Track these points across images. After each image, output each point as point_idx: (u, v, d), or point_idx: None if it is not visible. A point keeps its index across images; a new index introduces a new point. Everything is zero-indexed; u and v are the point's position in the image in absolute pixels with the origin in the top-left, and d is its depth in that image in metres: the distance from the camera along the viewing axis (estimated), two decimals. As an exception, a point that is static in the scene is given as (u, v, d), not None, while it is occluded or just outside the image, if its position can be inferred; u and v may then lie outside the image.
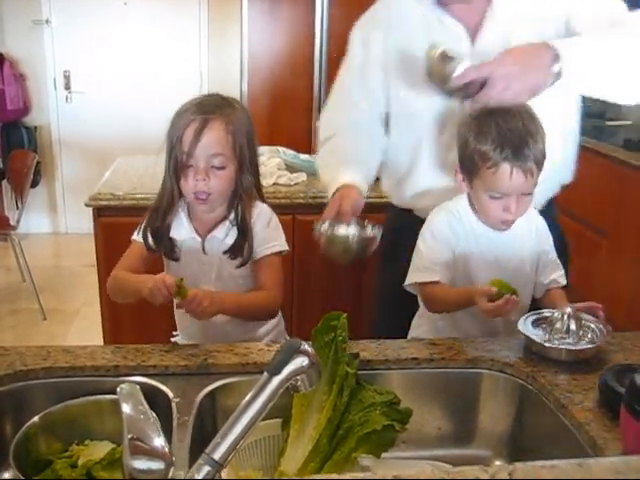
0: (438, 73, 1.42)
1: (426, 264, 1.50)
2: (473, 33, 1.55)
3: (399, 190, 1.75)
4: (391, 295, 1.66)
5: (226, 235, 1.53)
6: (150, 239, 1.56)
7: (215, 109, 1.46)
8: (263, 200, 1.60)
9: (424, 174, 1.66)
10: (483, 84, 1.34)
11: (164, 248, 1.56)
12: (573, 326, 1.31)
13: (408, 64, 1.59)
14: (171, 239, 1.55)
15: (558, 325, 1.31)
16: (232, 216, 1.53)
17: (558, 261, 1.58)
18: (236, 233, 1.52)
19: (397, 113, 1.67)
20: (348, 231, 1.47)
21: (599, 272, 3.68)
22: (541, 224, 1.58)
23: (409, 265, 1.54)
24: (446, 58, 1.41)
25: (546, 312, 1.39)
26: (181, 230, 1.55)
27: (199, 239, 1.55)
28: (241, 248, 1.52)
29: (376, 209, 1.72)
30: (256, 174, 1.56)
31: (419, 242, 1.54)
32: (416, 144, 1.65)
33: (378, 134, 1.70)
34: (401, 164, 1.71)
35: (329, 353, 1.19)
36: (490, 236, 1.50)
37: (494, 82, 1.33)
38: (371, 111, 1.68)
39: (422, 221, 1.59)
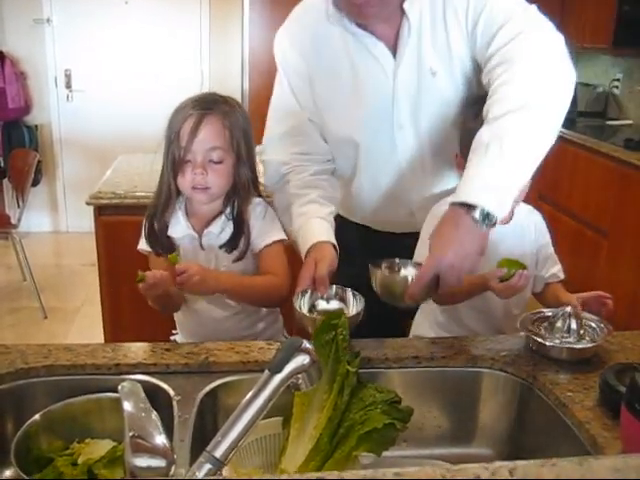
0: (391, 297, 1.37)
1: None
2: (393, 50, 1.52)
3: (348, 209, 1.75)
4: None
5: (222, 230, 1.53)
6: (150, 239, 1.56)
7: (212, 105, 1.47)
8: (259, 195, 1.60)
9: (368, 200, 1.66)
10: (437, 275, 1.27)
11: (161, 246, 1.56)
12: (574, 325, 1.31)
13: (334, 90, 1.57)
14: (169, 237, 1.55)
15: (559, 324, 1.32)
16: (228, 210, 1.53)
17: (556, 256, 1.59)
18: (232, 227, 1.53)
19: (328, 137, 1.65)
20: (329, 308, 1.41)
21: (600, 272, 3.68)
22: (539, 219, 1.60)
23: (360, 266, 1.54)
24: (390, 278, 1.38)
25: (547, 311, 1.39)
26: (178, 228, 1.55)
27: (196, 235, 1.55)
28: (237, 242, 1.52)
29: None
30: (253, 169, 1.57)
31: (423, 237, 1.54)
32: (352, 167, 1.65)
33: (329, 157, 1.67)
34: (345, 185, 1.70)
35: (330, 352, 1.19)
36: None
37: (444, 277, 1.26)
38: (317, 134, 1.64)
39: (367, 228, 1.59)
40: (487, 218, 1.25)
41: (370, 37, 1.51)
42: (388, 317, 1.56)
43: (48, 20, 4.93)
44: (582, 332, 1.32)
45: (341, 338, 1.20)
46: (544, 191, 3.95)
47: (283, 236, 1.57)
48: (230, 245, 1.52)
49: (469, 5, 1.45)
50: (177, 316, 1.66)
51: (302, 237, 1.52)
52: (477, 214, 1.24)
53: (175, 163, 1.47)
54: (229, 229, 1.53)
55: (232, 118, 1.48)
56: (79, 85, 5.08)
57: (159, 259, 1.56)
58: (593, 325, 1.35)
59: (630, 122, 4.30)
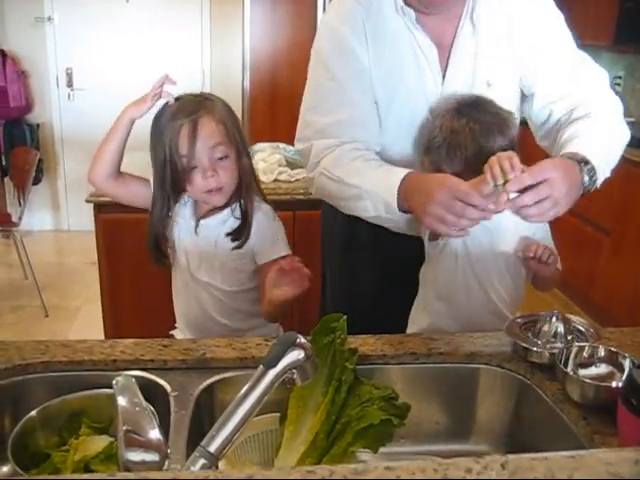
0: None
1: None
2: (444, 55, 1.50)
3: None
4: (347, 294, 1.64)
5: (223, 222, 1.54)
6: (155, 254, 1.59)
7: (197, 106, 1.47)
8: (259, 187, 1.61)
9: None
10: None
11: (155, 257, 1.58)
12: (561, 329, 1.28)
13: (392, 81, 1.50)
14: (162, 249, 1.58)
15: (545, 328, 1.28)
16: (234, 205, 1.54)
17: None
18: (233, 220, 1.54)
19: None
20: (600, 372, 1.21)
21: (601, 270, 3.68)
22: None
23: (371, 269, 1.52)
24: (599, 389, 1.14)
25: (534, 315, 1.35)
26: (182, 226, 1.57)
27: (193, 223, 1.56)
28: (242, 233, 1.53)
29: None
30: (250, 157, 1.58)
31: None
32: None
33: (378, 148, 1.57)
34: None
35: (328, 354, 1.19)
36: (485, 224, 1.48)
37: (551, 201, 1.27)
38: (375, 121, 1.53)
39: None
40: (590, 180, 1.36)
41: (425, 37, 1.47)
42: (392, 312, 1.56)
43: (49, 19, 4.93)
44: (570, 337, 1.28)
45: (339, 342, 1.19)
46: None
47: (288, 251, 1.56)
48: (236, 234, 1.53)
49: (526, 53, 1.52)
50: (177, 307, 1.66)
51: (382, 178, 1.40)
52: (587, 178, 1.35)
53: (179, 175, 1.46)
54: (230, 222, 1.54)
55: (220, 112, 1.49)
56: (80, 84, 5.08)
57: (145, 187, 1.58)
58: (581, 329, 1.33)
59: (632, 119, 4.28)
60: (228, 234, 1.53)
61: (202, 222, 1.55)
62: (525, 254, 1.46)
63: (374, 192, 1.40)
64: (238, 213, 1.54)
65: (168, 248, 1.60)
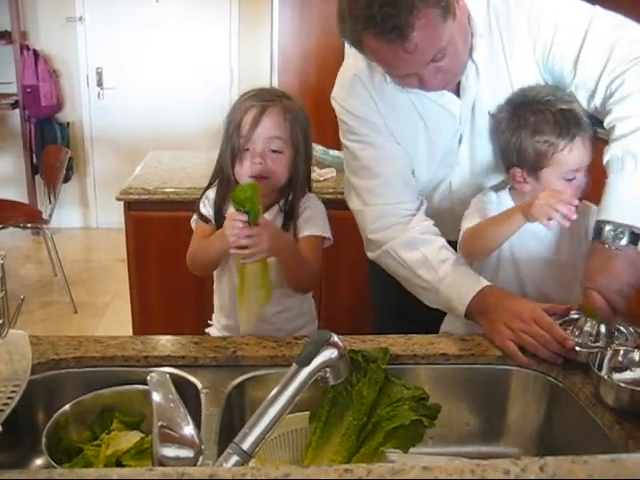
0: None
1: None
2: (456, 92, 1.50)
3: None
4: (390, 304, 1.66)
5: (273, 220, 1.53)
6: (207, 212, 1.57)
7: (274, 97, 1.50)
8: (310, 190, 1.61)
9: None
10: None
11: (218, 222, 1.56)
12: (603, 329, 1.27)
13: (411, 145, 1.55)
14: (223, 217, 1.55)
15: (587, 328, 1.27)
16: (282, 202, 1.54)
17: None
18: (282, 219, 1.53)
19: None
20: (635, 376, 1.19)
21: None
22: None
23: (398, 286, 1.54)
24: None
25: (574, 314, 1.33)
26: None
27: None
28: (285, 226, 1.52)
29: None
30: (309, 167, 1.58)
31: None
32: None
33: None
34: None
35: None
36: (533, 230, 1.46)
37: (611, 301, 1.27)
38: (411, 178, 1.58)
39: None
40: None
41: (443, 96, 1.49)
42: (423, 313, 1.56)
43: (81, 19, 4.98)
44: (609, 336, 1.26)
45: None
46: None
47: (327, 234, 1.55)
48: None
49: (535, 46, 1.44)
50: (224, 308, 1.65)
51: (456, 284, 1.45)
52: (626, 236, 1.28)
53: (234, 152, 1.49)
54: (280, 220, 1.53)
55: (293, 112, 1.49)
56: (110, 83, 5.13)
57: (207, 229, 1.57)
58: (622, 329, 1.31)
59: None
60: None
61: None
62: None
63: (444, 295, 1.46)
64: (282, 217, 1.53)
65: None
